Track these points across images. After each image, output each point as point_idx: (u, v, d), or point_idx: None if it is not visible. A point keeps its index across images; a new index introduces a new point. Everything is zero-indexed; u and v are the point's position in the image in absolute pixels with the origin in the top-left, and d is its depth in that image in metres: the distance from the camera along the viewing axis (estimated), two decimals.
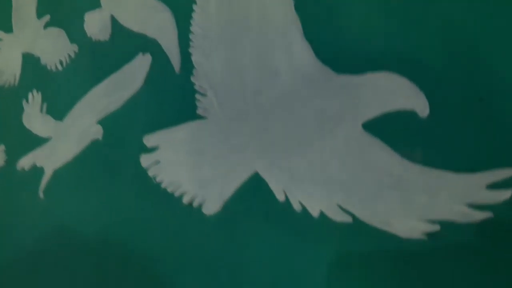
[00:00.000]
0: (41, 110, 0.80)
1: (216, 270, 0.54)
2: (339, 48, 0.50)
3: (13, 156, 0.81)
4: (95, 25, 0.78)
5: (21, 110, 0.83)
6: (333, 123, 0.49)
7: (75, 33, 0.80)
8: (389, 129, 0.45)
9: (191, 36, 0.64)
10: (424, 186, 0.41)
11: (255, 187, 0.51)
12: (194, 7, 0.64)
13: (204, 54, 0.62)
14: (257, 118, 0.55)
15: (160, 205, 0.59)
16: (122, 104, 0.68)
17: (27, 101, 0.83)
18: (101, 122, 0.70)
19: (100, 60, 0.75)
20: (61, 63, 0.80)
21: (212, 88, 0.60)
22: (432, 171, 0.41)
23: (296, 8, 0.55)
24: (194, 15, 0.64)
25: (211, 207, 0.54)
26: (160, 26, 0.69)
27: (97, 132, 0.69)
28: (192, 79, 0.61)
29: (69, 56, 0.79)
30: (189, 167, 0.58)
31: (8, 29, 0.94)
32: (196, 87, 0.61)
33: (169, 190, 0.58)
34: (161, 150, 0.61)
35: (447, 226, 0.39)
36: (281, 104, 0.53)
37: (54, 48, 0.83)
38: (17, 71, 0.88)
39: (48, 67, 0.82)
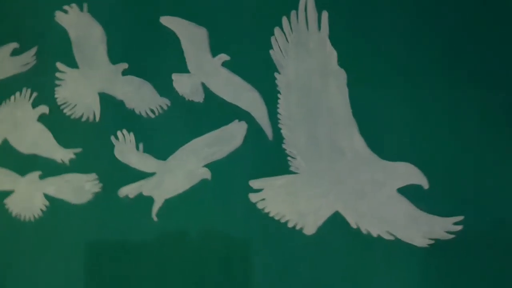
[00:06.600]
0: (137, 149, 1.02)
1: (314, 272, 0.94)
2: (381, 145, 0.95)
3: (109, 184, 1.01)
4: (186, 86, 1.03)
5: (109, 144, 1.03)
6: (380, 186, 0.94)
7: (164, 88, 1.02)
8: (410, 192, 0.93)
9: (279, 116, 0.98)
10: (427, 222, 0.91)
11: (337, 219, 0.93)
12: (279, 95, 0.99)
13: (290, 130, 0.98)
14: (333, 177, 0.96)
15: (267, 228, 0.96)
16: (226, 155, 0.98)
17: (116, 137, 1.03)
18: (208, 166, 0.99)
19: (195, 117, 1.01)
20: (152, 111, 1.03)
21: (299, 154, 0.97)
22: (430, 216, 0.91)
23: (353, 114, 0.96)
24: (279, 101, 0.99)
25: (310, 230, 0.94)
26: (251, 102, 1.00)
27: (205, 173, 0.98)
28: (283, 146, 0.98)
29: (161, 107, 1.02)
30: (289, 203, 0.96)
31: (69, 63, 1.08)
32: (288, 152, 0.97)
33: (276, 218, 0.95)
34: (265, 191, 0.97)
35: (437, 240, 0.90)
36: (349, 171, 0.95)
37: (141, 97, 1.03)
38: (96, 108, 1.05)
39: (137, 112, 1.03)
